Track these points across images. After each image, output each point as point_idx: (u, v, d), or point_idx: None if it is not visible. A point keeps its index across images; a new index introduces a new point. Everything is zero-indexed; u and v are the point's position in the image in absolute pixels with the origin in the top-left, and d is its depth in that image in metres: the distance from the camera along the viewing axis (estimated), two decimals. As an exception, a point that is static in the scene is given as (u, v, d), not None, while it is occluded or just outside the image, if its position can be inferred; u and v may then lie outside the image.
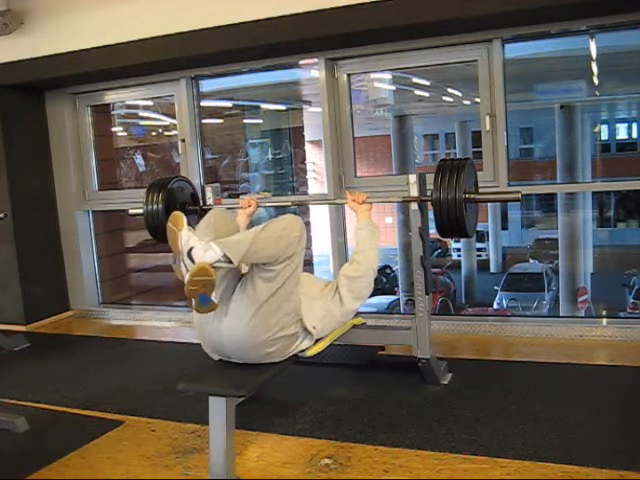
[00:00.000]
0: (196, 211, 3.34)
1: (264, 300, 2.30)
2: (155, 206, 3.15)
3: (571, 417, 2.55)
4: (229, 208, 3.37)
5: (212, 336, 2.40)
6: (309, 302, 2.51)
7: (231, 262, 2.18)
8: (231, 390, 2.24)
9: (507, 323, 3.77)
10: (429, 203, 2.76)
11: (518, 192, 2.75)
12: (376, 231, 2.84)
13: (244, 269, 2.43)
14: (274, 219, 2.40)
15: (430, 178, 2.72)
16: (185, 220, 2.20)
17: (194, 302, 2.16)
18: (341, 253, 4.14)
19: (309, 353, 2.55)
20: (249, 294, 2.31)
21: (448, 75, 7.54)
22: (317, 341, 2.59)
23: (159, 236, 3.21)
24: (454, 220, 2.64)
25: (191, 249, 2.14)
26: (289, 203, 3.12)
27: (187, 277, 2.11)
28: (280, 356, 2.43)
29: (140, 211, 3.24)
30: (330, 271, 4.41)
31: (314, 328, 2.51)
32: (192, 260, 2.13)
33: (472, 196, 2.73)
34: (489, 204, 11.59)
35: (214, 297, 2.18)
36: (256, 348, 2.36)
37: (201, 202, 3.37)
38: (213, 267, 2.14)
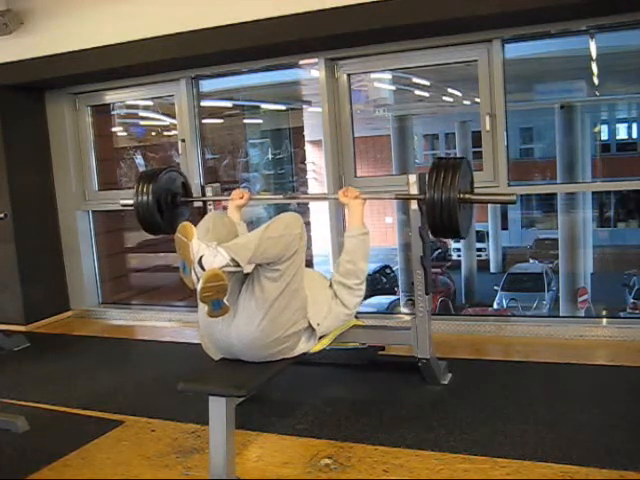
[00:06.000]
0: (187, 204, 3.32)
1: (273, 299, 2.31)
2: (146, 197, 3.12)
3: (571, 417, 2.55)
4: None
5: (221, 337, 2.41)
6: (313, 300, 2.51)
7: (239, 265, 2.21)
8: (231, 390, 2.24)
9: (507, 323, 3.78)
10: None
11: (513, 194, 2.72)
12: (366, 238, 2.73)
13: (247, 269, 2.43)
14: (274, 219, 2.40)
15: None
16: (194, 230, 2.20)
17: (207, 308, 2.17)
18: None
19: (314, 349, 2.58)
20: (257, 295, 2.32)
21: (448, 75, 7.54)
22: (320, 338, 2.60)
23: (149, 228, 3.20)
24: (447, 220, 2.60)
25: (201, 257, 2.15)
26: (281, 197, 3.15)
27: (200, 285, 2.11)
28: (290, 352, 2.44)
29: (130, 202, 3.20)
30: (330, 271, 4.41)
31: (318, 325, 2.52)
32: (202, 268, 2.14)
33: (467, 196, 2.67)
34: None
35: (225, 300, 2.19)
36: (268, 346, 2.37)
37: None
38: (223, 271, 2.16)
